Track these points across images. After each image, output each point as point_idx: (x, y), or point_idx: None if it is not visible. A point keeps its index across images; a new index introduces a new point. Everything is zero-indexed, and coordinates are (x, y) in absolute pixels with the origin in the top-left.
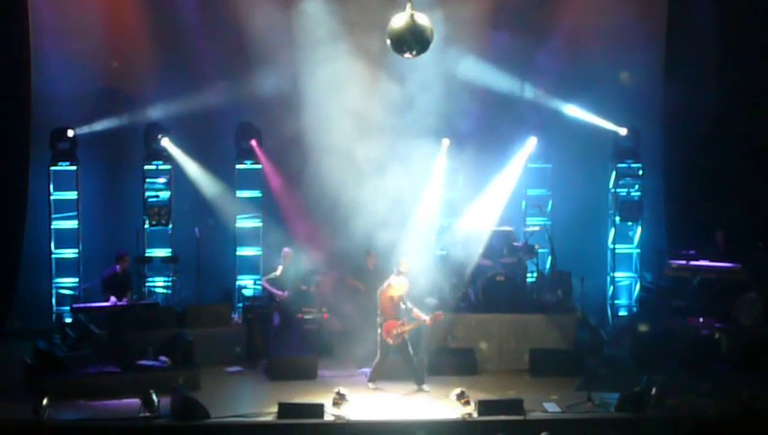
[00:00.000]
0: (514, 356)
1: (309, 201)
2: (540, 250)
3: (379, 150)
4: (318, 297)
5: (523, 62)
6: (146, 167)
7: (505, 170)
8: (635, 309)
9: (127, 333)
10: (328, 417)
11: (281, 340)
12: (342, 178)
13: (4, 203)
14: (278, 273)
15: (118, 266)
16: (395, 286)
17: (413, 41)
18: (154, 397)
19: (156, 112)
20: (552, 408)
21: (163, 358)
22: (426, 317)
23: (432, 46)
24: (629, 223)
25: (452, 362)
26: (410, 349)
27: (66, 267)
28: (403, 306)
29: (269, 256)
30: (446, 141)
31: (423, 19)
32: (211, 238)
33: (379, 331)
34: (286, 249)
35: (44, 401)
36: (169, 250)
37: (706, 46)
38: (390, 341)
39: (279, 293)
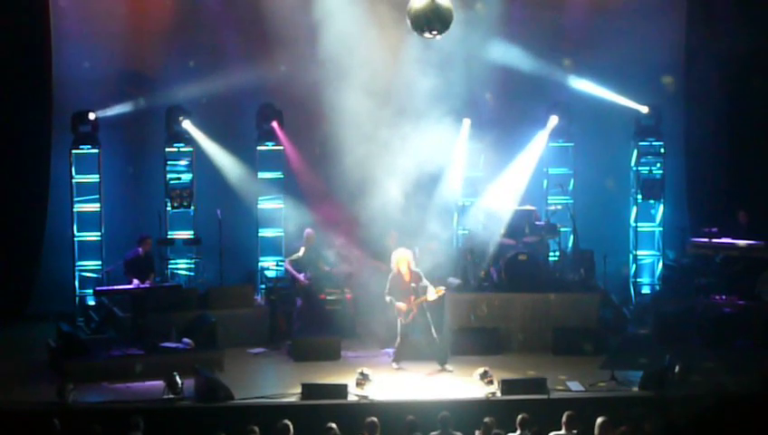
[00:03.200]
0: (538, 335)
1: (330, 182)
2: (562, 229)
3: (401, 130)
4: (340, 278)
5: (545, 40)
6: (167, 149)
7: (527, 149)
8: (658, 287)
9: (150, 315)
10: (352, 397)
11: (304, 321)
12: (364, 158)
13: (27, 187)
14: (300, 254)
15: (140, 249)
16: (396, 261)
17: (434, 20)
18: (177, 379)
19: (177, 95)
20: (575, 386)
21: (186, 340)
22: (429, 293)
23: (453, 25)
24: (652, 201)
25: (475, 341)
26: (433, 329)
27: (89, 250)
28: (413, 285)
29: (291, 237)
30: (467, 121)
31: None
32: (233, 220)
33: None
34: (308, 230)
35: (68, 384)
36: (192, 232)
37: (728, 24)
38: (402, 320)
39: (300, 277)
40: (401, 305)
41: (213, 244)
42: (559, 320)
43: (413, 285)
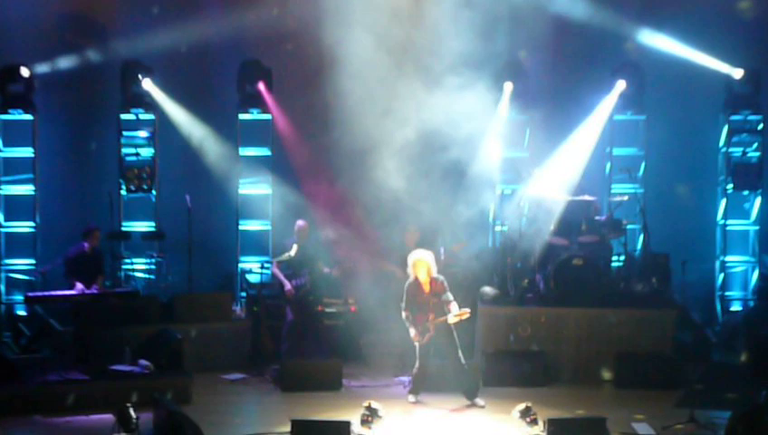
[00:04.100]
0: (596, 362)
1: (332, 161)
2: (629, 226)
3: (423, 96)
4: (343, 284)
5: None
6: (123, 116)
7: (585, 124)
8: (751, 303)
9: (97, 329)
10: None
11: (295, 339)
12: (375, 131)
13: None
14: (292, 253)
15: (86, 244)
16: (413, 266)
17: None
18: (132, 412)
19: (136, 47)
20: (643, 429)
21: (144, 362)
22: (450, 314)
23: None
24: (745, 192)
25: (515, 369)
26: (460, 353)
27: (19, 245)
28: (435, 300)
29: (280, 231)
30: (509, 86)
31: None
32: (206, 209)
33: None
34: (301, 222)
35: None
36: (153, 223)
37: None
38: (416, 341)
39: (287, 284)
40: (413, 332)
41: (180, 239)
42: (623, 343)
43: (434, 298)
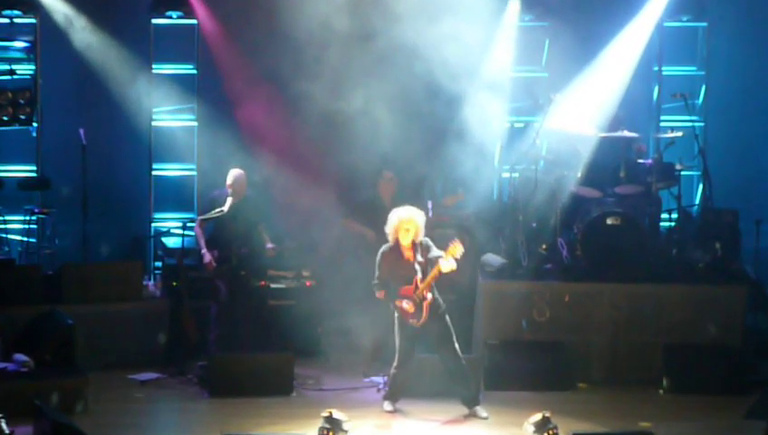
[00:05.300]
0: (639, 356)
1: (281, 82)
2: (683, 172)
3: None
4: (292, 253)
5: None
6: None
7: (624, 33)
8: None
9: None
10: None
11: (229, 325)
12: (335, 37)
13: None
14: (225, 209)
15: None
16: (395, 227)
17: None
18: (3, 425)
19: None
20: None
21: (21, 357)
22: (441, 261)
23: None
24: None
25: (528, 366)
26: (456, 344)
27: None
28: (422, 262)
29: (209, 178)
30: None
31: None
32: (108, 148)
33: (395, 314)
34: (236, 171)
35: None
36: (33, 167)
37: None
38: (414, 321)
39: (206, 254)
40: (406, 303)
41: (72, 188)
42: (675, 331)
43: (417, 265)
